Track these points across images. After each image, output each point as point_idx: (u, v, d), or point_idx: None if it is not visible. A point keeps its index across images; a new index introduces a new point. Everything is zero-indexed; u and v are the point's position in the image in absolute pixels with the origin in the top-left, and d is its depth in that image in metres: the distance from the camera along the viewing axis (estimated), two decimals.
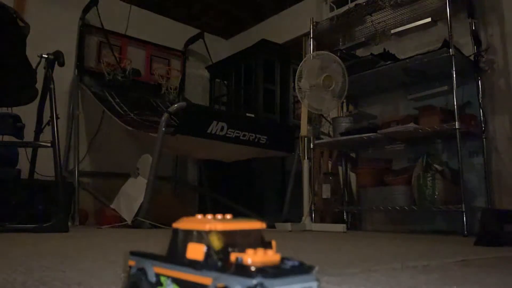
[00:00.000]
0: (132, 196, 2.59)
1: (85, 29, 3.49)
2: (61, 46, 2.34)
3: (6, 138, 2.34)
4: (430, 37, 2.74)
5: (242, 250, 0.41)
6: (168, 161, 3.78)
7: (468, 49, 2.49)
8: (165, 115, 2.47)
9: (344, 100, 3.04)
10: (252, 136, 2.85)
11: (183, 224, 0.47)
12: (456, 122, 2.21)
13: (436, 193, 2.31)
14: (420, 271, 0.81)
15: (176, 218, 0.47)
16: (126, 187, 2.74)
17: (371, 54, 2.81)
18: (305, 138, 2.85)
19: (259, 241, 0.44)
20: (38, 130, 2.33)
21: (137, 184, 2.65)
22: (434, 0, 2.60)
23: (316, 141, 2.92)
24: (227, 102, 4.02)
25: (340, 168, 3.14)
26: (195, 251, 0.43)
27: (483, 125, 2.41)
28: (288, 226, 2.48)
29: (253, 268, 0.37)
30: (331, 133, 3.05)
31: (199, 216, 0.47)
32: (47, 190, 2.23)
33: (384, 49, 2.83)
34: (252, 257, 0.39)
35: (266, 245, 0.43)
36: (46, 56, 2.17)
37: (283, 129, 3.33)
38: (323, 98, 2.63)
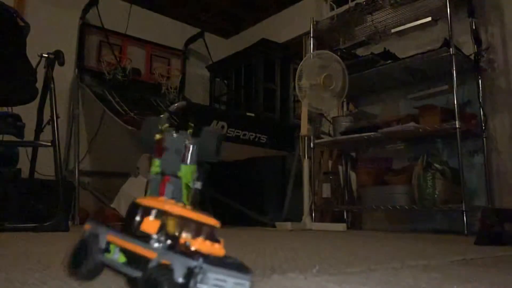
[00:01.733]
0: (132, 195, 2.59)
1: (85, 28, 3.49)
2: (61, 45, 2.34)
3: (6, 137, 2.34)
4: (430, 36, 2.74)
5: (193, 237, 0.44)
6: None
7: (469, 48, 2.48)
8: (165, 114, 2.47)
9: (345, 100, 3.04)
10: (252, 135, 2.85)
11: (145, 201, 0.50)
12: (457, 121, 2.21)
13: (436, 193, 2.31)
14: (420, 270, 0.81)
15: None
16: (126, 186, 2.75)
17: (372, 53, 2.80)
18: (305, 138, 2.85)
19: (211, 235, 0.47)
20: (38, 129, 2.32)
21: (137, 183, 2.65)
22: None
23: (316, 141, 2.92)
24: (227, 102, 4.02)
25: (340, 167, 3.13)
26: (149, 225, 0.46)
27: (483, 124, 2.41)
28: (288, 225, 2.49)
29: (196, 252, 0.41)
30: (331, 132, 3.05)
31: (162, 198, 0.51)
32: (47, 190, 2.23)
33: (385, 49, 2.83)
34: (199, 245, 0.43)
35: (216, 241, 0.46)
36: (46, 55, 2.17)
37: (283, 129, 3.32)
38: (323, 97, 2.63)
